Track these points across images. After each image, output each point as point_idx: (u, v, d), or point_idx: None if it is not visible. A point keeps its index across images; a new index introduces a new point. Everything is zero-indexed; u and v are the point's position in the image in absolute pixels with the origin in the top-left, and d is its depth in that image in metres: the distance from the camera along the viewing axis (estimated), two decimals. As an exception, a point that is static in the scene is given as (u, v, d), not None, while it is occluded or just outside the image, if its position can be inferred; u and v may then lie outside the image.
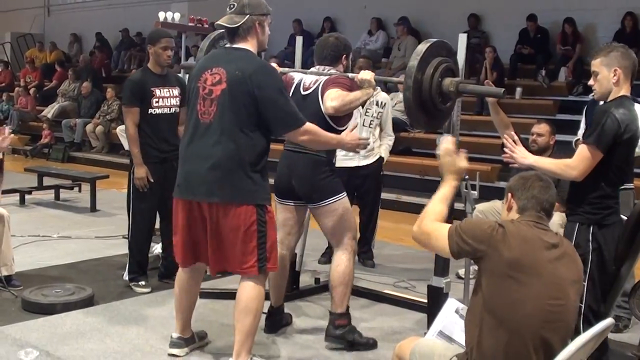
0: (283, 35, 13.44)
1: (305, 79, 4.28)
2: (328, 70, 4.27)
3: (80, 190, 9.38)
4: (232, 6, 3.70)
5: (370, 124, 5.93)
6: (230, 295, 5.03)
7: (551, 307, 2.59)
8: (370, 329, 4.54)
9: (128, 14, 17.24)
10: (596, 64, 3.54)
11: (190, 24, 8.35)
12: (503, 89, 4.05)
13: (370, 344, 4.26)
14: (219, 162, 3.58)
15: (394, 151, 6.36)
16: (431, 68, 3.81)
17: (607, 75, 3.49)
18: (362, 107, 5.67)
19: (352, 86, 4.12)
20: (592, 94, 3.66)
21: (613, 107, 3.43)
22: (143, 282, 5.23)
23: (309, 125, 3.71)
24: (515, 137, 3.70)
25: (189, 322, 4.03)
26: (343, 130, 4.29)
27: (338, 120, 4.15)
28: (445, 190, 3.00)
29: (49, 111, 14.96)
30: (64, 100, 15.18)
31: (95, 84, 15.07)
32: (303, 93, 4.21)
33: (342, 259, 4.22)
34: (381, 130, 6.10)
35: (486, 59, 11.04)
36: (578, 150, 3.51)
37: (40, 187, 9.31)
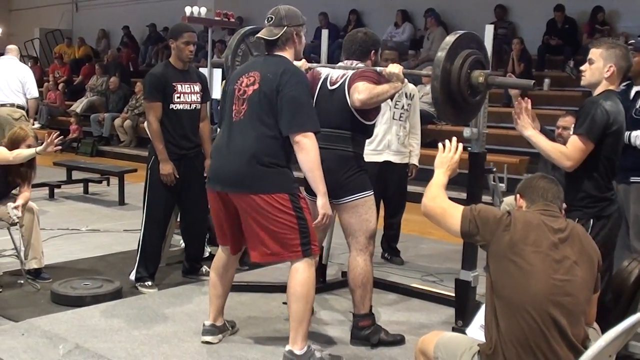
0: (309, 28, 13.26)
1: (332, 73, 4.25)
2: (356, 65, 4.23)
3: (108, 184, 9.48)
4: (270, 19, 3.83)
5: (401, 116, 5.78)
6: (258, 288, 5.09)
7: (555, 281, 2.63)
8: (397, 324, 4.53)
9: (155, 9, 17.34)
10: (595, 53, 3.62)
11: (216, 19, 8.35)
12: (533, 81, 4.03)
13: (397, 341, 4.19)
14: (248, 156, 3.67)
15: (421, 144, 6.27)
16: (460, 59, 3.75)
17: (601, 67, 3.60)
18: (392, 100, 5.57)
19: (379, 80, 4.06)
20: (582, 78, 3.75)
21: (602, 99, 3.54)
22: (149, 283, 5.06)
23: (310, 137, 3.64)
24: (526, 105, 3.76)
25: (222, 309, 4.15)
26: (371, 125, 4.26)
27: (366, 114, 4.10)
28: (443, 179, 3.12)
29: (78, 106, 15.09)
30: (92, 95, 15.33)
31: (123, 78, 15.20)
32: (330, 88, 4.18)
33: (358, 261, 4.13)
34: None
35: (513, 50, 10.91)
36: (571, 140, 3.60)
37: (69, 181, 9.42)
